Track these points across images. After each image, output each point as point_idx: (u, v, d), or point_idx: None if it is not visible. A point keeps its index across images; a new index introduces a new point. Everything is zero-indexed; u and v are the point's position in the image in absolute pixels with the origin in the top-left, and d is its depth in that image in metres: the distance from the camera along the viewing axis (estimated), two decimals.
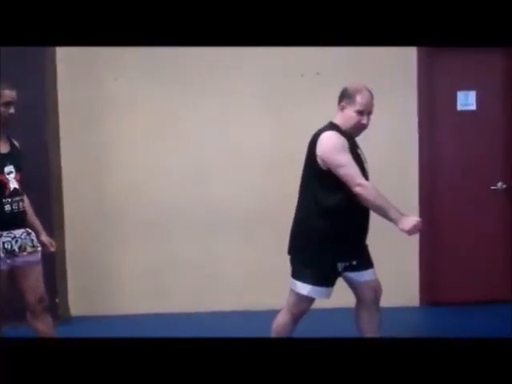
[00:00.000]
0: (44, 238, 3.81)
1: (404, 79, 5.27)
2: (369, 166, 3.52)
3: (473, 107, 5.40)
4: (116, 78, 5.30)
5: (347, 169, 3.26)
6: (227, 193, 5.33)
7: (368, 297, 3.53)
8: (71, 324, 5.18)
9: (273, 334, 3.53)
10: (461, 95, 5.39)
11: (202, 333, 4.36)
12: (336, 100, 3.45)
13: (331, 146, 3.29)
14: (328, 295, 3.41)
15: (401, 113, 5.27)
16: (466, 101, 5.40)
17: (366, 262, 3.51)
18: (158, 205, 5.35)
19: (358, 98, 3.37)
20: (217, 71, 5.28)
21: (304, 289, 3.38)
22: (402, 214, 3.22)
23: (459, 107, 5.41)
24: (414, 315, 5.31)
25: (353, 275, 3.47)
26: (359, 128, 3.42)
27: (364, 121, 3.39)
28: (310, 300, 3.44)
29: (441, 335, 4.53)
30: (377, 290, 3.56)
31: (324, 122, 3.47)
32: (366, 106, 3.38)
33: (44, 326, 3.68)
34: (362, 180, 3.27)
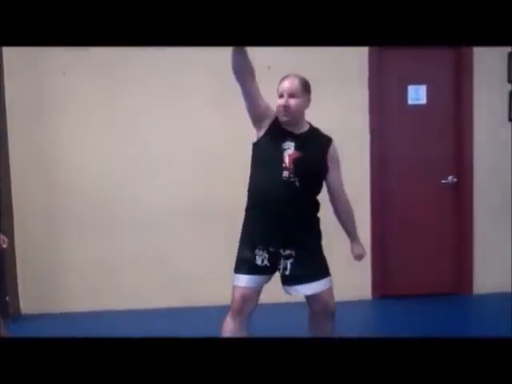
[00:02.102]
0: None
1: (355, 73, 5.28)
2: None
3: (423, 101, 5.46)
4: (64, 72, 5.21)
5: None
6: (176, 189, 5.31)
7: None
8: (22, 322, 5.10)
9: (220, 333, 3.38)
10: (411, 89, 5.45)
11: (152, 330, 4.39)
12: None
13: None
14: (248, 283, 3.26)
15: (352, 106, 5.29)
16: (417, 95, 5.46)
17: None
18: (107, 202, 5.31)
19: (279, 84, 3.39)
20: (165, 68, 5.23)
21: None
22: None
23: (410, 101, 5.46)
24: (367, 308, 5.36)
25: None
26: (279, 111, 3.35)
27: (281, 101, 3.33)
28: (242, 292, 3.28)
29: (392, 327, 4.61)
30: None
31: None
32: (282, 88, 3.36)
33: None
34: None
